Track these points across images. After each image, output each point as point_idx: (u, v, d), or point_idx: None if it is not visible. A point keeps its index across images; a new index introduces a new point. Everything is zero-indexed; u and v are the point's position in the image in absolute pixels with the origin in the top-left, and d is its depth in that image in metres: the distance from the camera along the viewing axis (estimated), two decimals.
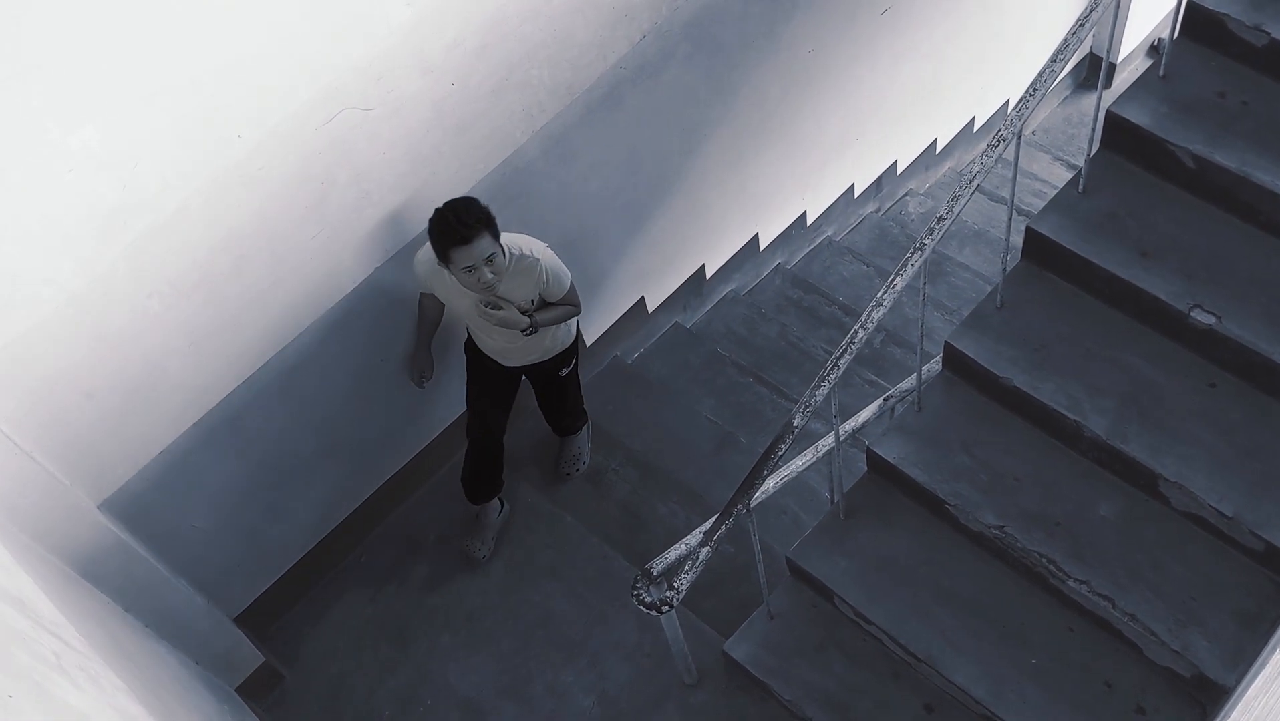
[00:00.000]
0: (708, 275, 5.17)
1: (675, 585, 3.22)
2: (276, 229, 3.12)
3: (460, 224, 3.17)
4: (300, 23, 2.79)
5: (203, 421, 3.35)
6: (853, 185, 5.72)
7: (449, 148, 3.38)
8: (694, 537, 3.39)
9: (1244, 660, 3.09)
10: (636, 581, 3.26)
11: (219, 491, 3.61)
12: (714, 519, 3.27)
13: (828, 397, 3.17)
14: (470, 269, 3.24)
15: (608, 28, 3.58)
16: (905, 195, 6.26)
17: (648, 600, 3.22)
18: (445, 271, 3.36)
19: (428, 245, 3.33)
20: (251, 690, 3.91)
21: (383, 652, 4.11)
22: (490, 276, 3.29)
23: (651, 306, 4.95)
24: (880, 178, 5.92)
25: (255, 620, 4.03)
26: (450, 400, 4.24)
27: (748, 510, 3.22)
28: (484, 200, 3.29)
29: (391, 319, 3.74)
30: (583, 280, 4.45)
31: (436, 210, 3.23)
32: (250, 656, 3.88)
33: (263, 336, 3.35)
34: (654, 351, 5.13)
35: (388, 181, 3.30)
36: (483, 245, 3.21)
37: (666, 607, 3.21)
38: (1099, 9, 2.99)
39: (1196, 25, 3.47)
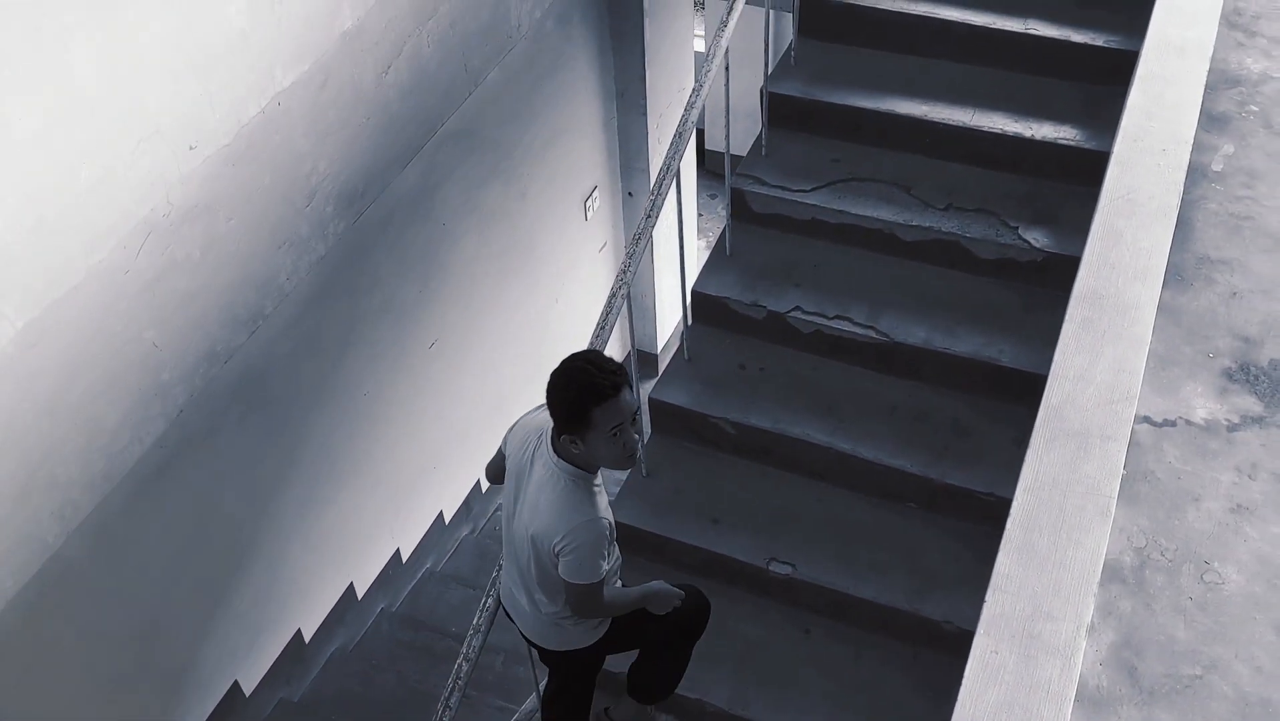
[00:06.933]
0: (307, 639, 4.83)
1: None
2: None
3: (603, 372, 2.55)
4: None
5: None
6: (441, 512, 5.68)
7: None
8: None
9: None
10: None
11: None
12: None
13: None
14: (618, 428, 2.58)
15: (140, 407, 3.38)
16: (497, 510, 6.30)
17: None
18: None
19: None
20: None
21: None
22: (635, 437, 2.66)
23: (248, 688, 4.51)
24: (468, 498, 5.93)
25: None
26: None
27: None
28: (18, 620, 2.87)
29: None
30: (162, 675, 4.02)
31: (567, 367, 2.59)
32: None
33: None
34: None
35: None
36: (630, 395, 2.61)
37: None
38: (613, 311, 3.23)
39: (706, 310, 3.85)
